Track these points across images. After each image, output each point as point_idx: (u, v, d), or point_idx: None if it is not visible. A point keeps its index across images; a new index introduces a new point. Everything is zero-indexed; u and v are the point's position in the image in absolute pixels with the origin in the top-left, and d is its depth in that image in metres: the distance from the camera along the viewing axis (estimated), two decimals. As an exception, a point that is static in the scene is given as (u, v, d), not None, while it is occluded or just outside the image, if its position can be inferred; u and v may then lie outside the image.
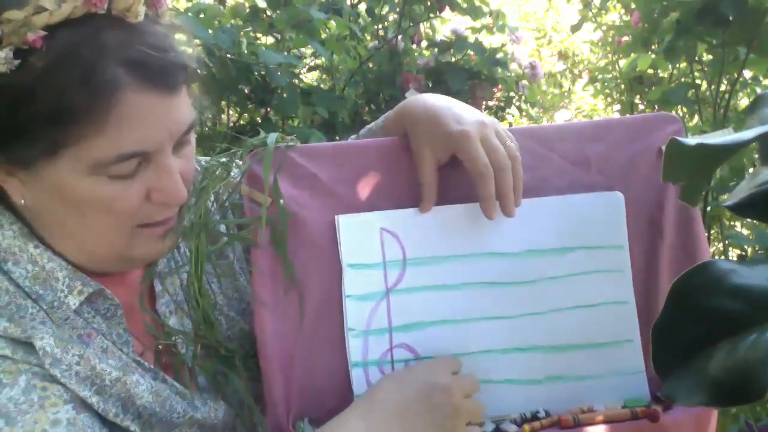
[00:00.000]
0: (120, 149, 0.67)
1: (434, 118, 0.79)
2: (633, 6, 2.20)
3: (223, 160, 0.80)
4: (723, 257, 1.96)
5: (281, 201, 0.77)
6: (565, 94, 4.76)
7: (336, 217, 0.79)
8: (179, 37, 0.73)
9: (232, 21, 1.87)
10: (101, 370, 0.72)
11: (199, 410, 0.78)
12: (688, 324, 0.44)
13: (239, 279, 0.88)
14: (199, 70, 0.77)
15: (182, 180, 0.73)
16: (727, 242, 1.99)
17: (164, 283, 0.82)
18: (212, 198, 0.85)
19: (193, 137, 0.77)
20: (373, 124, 0.93)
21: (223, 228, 0.85)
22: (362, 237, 0.79)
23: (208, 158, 0.84)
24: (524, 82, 2.55)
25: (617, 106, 3.20)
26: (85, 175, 0.67)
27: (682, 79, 2.20)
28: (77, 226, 0.72)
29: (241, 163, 0.81)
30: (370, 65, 2.39)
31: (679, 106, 2.07)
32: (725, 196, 0.50)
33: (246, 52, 1.72)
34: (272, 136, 0.79)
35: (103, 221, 0.71)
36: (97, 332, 0.74)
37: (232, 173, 0.82)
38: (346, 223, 0.79)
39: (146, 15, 0.69)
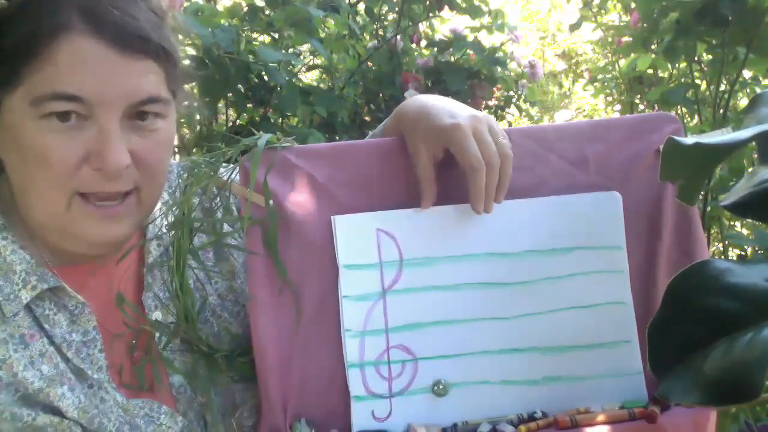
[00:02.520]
0: (56, 87, 0.69)
1: (428, 114, 0.79)
2: (633, 6, 2.19)
3: (211, 159, 0.80)
4: (723, 257, 1.96)
5: (270, 201, 0.77)
6: (566, 93, 4.76)
7: (332, 217, 0.79)
8: (163, 21, 0.76)
9: (230, 20, 1.87)
10: (23, 378, 0.71)
11: (139, 429, 0.76)
12: (684, 323, 0.44)
13: (236, 281, 0.88)
14: (183, 62, 0.78)
15: (138, 162, 0.73)
16: (726, 242, 1.99)
17: (154, 276, 0.82)
18: (208, 196, 0.85)
19: (165, 127, 0.76)
20: (375, 130, 0.93)
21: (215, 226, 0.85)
22: (359, 238, 0.79)
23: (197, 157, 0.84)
24: (524, 81, 2.55)
25: (617, 106, 3.20)
26: (29, 119, 0.70)
27: (682, 79, 2.20)
28: (25, 180, 0.73)
29: (234, 163, 0.81)
30: (370, 65, 2.39)
31: (679, 106, 2.06)
32: (724, 196, 0.50)
33: (244, 51, 1.72)
34: (264, 137, 0.79)
35: (42, 176, 0.71)
36: (42, 334, 0.74)
37: (222, 172, 0.81)
38: (343, 224, 0.79)
39: None
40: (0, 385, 0.71)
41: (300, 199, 0.79)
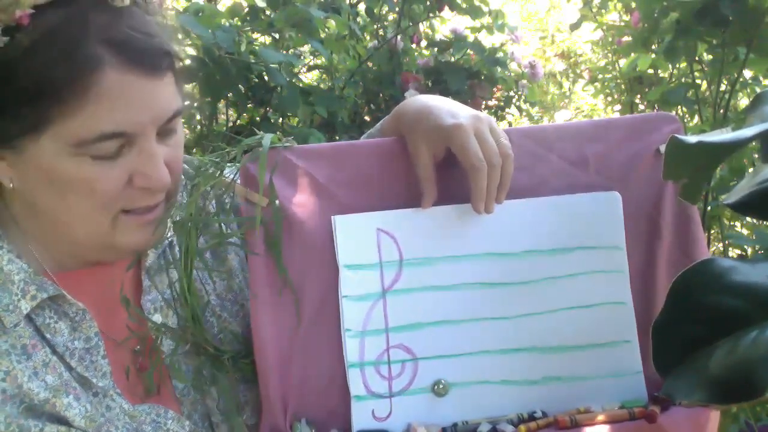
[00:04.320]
0: (101, 128, 0.68)
1: (429, 113, 0.79)
2: (633, 6, 2.19)
3: (216, 159, 0.80)
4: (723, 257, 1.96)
5: (276, 202, 0.77)
6: (566, 94, 4.76)
7: (332, 217, 0.79)
8: (169, 26, 0.75)
9: (231, 20, 1.87)
10: (28, 389, 0.71)
11: None
12: (688, 322, 0.44)
13: (235, 280, 0.87)
14: (186, 62, 0.78)
15: (168, 168, 0.74)
16: (727, 242, 1.99)
17: (153, 279, 0.82)
18: (210, 197, 0.85)
19: (180, 127, 0.78)
20: (372, 129, 0.93)
21: (216, 227, 0.85)
22: (359, 238, 0.79)
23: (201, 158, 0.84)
24: (524, 81, 2.55)
25: (617, 106, 3.20)
26: (67, 155, 0.68)
27: (682, 79, 2.20)
28: (62, 209, 0.73)
29: (237, 163, 0.81)
30: (370, 65, 2.39)
31: (679, 106, 2.06)
32: (725, 196, 0.50)
33: (245, 51, 1.72)
34: (268, 137, 0.79)
35: (85, 203, 0.71)
36: (44, 344, 0.73)
37: (226, 172, 0.81)
38: (343, 224, 0.79)
39: (135, 1, 0.71)
40: (5, 397, 0.70)
41: (300, 200, 0.79)
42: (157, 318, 0.81)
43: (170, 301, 0.82)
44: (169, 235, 0.83)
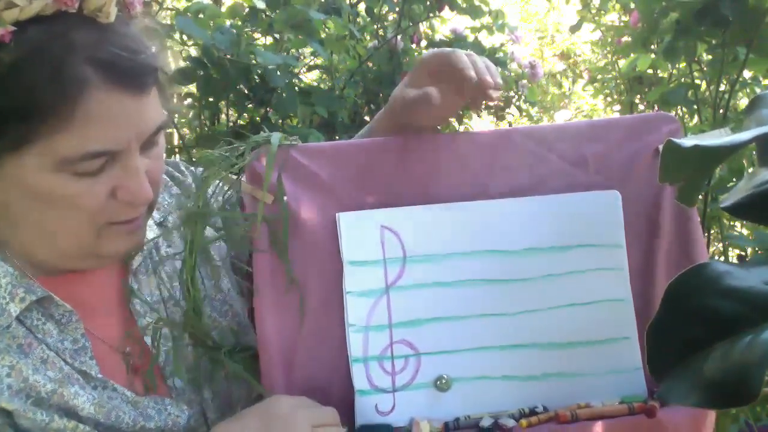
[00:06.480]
0: (86, 147, 0.67)
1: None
2: (632, 6, 2.19)
3: (226, 154, 0.80)
4: (723, 258, 1.96)
5: (285, 199, 0.78)
6: (566, 94, 4.76)
7: (336, 214, 0.80)
8: (154, 31, 0.74)
9: (231, 21, 1.87)
10: (34, 381, 0.71)
11: (153, 419, 0.77)
12: (683, 325, 0.44)
13: (223, 280, 0.88)
14: (173, 66, 0.78)
15: (149, 180, 0.74)
16: (726, 243, 1.99)
17: (140, 281, 0.82)
18: (218, 191, 0.85)
19: (162, 138, 0.78)
20: (362, 130, 0.94)
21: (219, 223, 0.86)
22: (362, 234, 0.80)
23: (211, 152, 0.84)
24: (524, 81, 2.55)
25: (617, 107, 3.20)
26: (50, 172, 0.68)
27: (682, 80, 2.20)
28: (44, 221, 0.72)
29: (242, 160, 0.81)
30: (370, 65, 2.39)
31: (679, 107, 2.06)
32: (724, 197, 0.50)
33: (244, 52, 1.72)
34: (276, 136, 0.79)
35: (68, 217, 0.71)
36: (39, 342, 0.73)
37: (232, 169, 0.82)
38: (347, 221, 0.80)
39: (119, 16, 0.69)
40: (11, 392, 0.70)
41: (305, 197, 0.80)
42: (148, 320, 0.81)
43: (158, 303, 0.83)
44: (152, 236, 0.84)
